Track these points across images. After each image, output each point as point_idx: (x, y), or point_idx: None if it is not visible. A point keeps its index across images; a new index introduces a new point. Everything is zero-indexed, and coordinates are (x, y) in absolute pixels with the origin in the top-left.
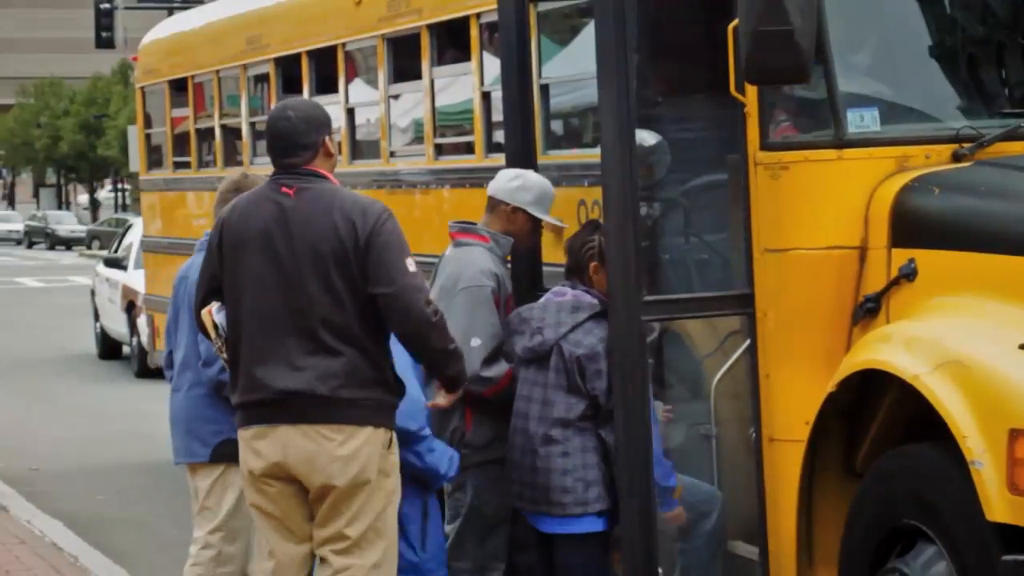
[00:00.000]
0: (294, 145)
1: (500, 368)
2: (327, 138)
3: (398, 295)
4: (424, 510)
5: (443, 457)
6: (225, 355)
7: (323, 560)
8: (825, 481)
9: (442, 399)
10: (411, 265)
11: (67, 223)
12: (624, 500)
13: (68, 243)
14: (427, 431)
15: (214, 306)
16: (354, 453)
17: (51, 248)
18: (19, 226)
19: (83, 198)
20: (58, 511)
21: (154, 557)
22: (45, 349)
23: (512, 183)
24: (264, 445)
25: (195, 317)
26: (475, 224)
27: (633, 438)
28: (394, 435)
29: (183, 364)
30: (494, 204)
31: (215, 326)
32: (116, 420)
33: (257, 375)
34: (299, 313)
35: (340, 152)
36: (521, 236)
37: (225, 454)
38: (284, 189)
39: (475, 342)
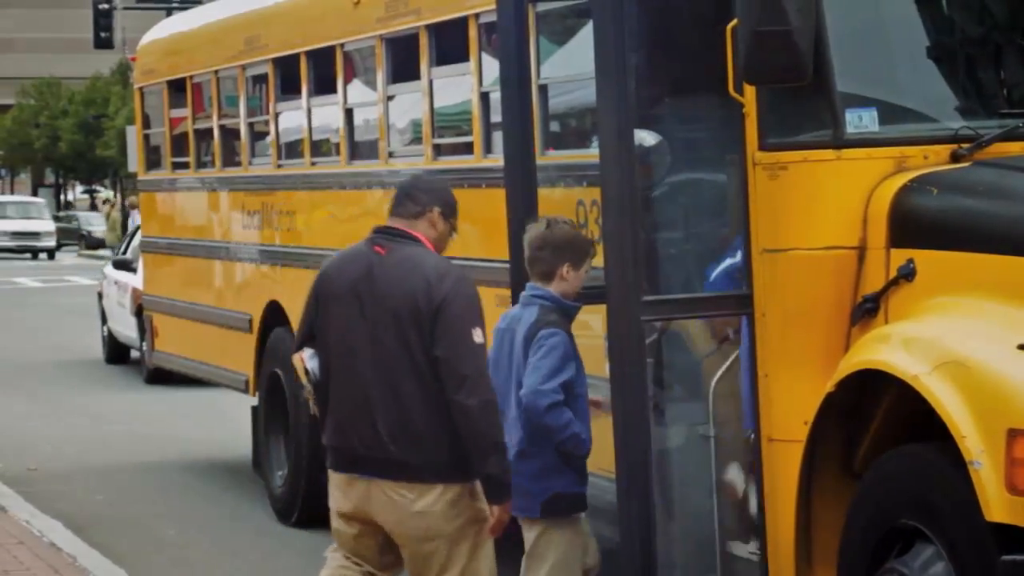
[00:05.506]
0: (405, 197)
1: None
2: (438, 211)
3: (452, 360)
4: None
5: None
6: (313, 399)
7: None
8: (824, 481)
9: (491, 521)
10: (477, 336)
11: (98, 224)
12: (623, 501)
13: (100, 246)
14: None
15: (306, 352)
16: (425, 511)
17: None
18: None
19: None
20: (57, 511)
21: (153, 557)
22: (45, 350)
23: None
24: (349, 492)
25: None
26: None
27: (632, 439)
28: (476, 485)
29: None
30: None
31: (306, 372)
32: (117, 421)
33: (341, 424)
34: (377, 368)
35: (341, 153)
36: None
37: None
38: (376, 248)
39: None
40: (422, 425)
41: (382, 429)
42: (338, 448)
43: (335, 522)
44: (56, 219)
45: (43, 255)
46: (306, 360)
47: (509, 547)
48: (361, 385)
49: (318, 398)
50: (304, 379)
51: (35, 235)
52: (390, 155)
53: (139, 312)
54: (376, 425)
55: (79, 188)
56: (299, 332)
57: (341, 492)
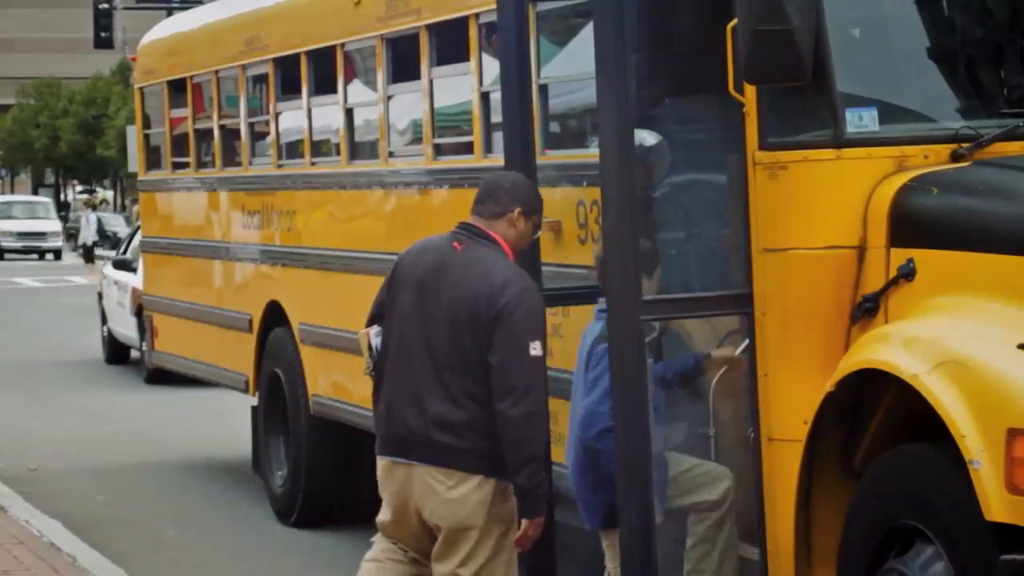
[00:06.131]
0: (487, 196)
1: None
2: (519, 211)
3: (505, 369)
4: None
5: None
6: (372, 375)
7: None
8: (824, 481)
9: (521, 533)
10: (534, 349)
11: (121, 226)
12: (623, 501)
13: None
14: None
15: (373, 329)
16: (461, 498)
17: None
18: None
19: (107, 195)
20: (57, 511)
21: (153, 558)
22: (46, 350)
23: None
24: (390, 477)
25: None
26: None
27: (632, 440)
28: (510, 485)
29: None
30: None
31: (370, 348)
32: (117, 421)
33: (392, 408)
34: (432, 361)
35: (341, 153)
36: None
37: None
38: (455, 243)
39: None
40: (468, 419)
41: (428, 418)
42: (385, 432)
43: (381, 512)
44: (64, 219)
45: (49, 255)
46: (372, 336)
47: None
48: (412, 374)
49: (376, 376)
50: (367, 354)
51: (41, 235)
52: (390, 155)
53: (139, 312)
54: (423, 414)
55: (78, 188)
56: (370, 310)
57: (384, 477)
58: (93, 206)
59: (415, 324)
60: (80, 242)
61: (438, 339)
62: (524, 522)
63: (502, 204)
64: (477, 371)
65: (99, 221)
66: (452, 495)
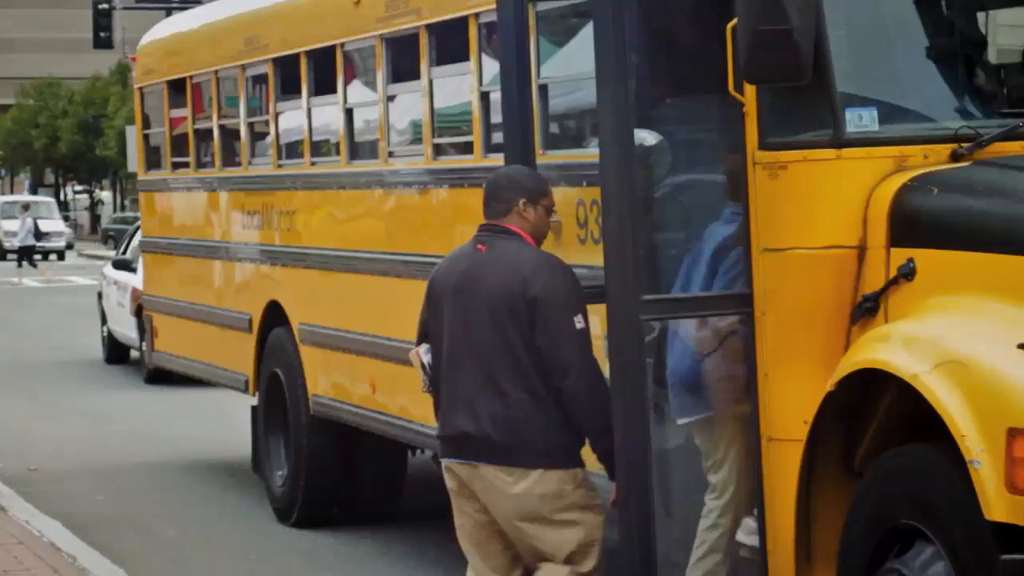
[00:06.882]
0: (490, 197)
1: None
2: (523, 201)
3: (555, 349)
4: None
5: None
6: (430, 391)
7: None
8: (824, 481)
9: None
10: (578, 323)
11: None
12: (623, 500)
13: None
14: None
15: (423, 347)
16: (525, 492)
17: None
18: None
19: (106, 195)
20: (57, 511)
21: (153, 557)
22: (45, 350)
23: None
24: (451, 478)
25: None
26: None
27: (632, 438)
28: (579, 471)
29: None
30: None
31: (422, 365)
32: (117, 421)
33: (447, 414)
34: (479, 360)
35: (341, 153)
36: None
37: None
38: (479, 245)
39: None
40: (521, 414)
41: (483, 417)
42: (444, 437)
43: (456, 512)
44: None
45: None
46: (422, 355)
47: None
48: (464, 378)
49: (433, 391)
50: (420, 373)
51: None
52: (390, 155)
53: (139, 312)
54: (478, 415)
55: (77, 187)
56: (418, 329)
57: (447, 481)
58: (26, 207)
59: (459, 329)
60: (17, 244)
61: (482, 337)
62: (613, 485)
63: (505, 201)
64: (523, 361)
65: (35, 224)
66: (515, 490)
